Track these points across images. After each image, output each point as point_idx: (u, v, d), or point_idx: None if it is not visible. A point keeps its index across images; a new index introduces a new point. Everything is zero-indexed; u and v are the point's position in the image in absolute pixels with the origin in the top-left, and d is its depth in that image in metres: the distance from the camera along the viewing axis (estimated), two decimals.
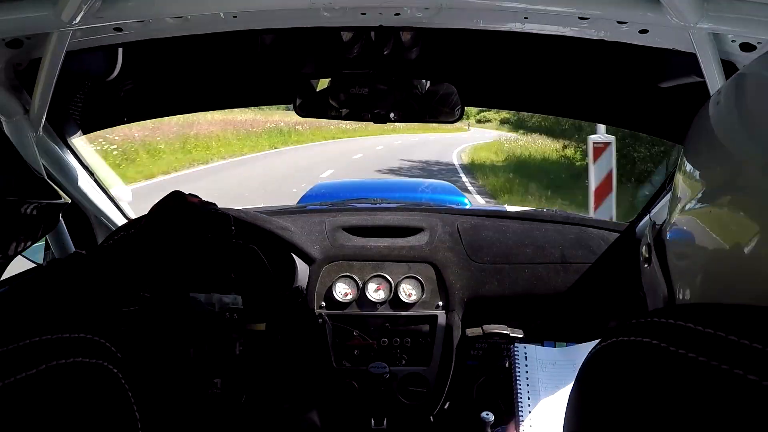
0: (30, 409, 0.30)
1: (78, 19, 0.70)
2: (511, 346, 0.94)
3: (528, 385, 0.88)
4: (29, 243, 0.65)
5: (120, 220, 1.35)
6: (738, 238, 0.30)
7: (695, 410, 0.25)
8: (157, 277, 0.91)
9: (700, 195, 0.34)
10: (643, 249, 0.44)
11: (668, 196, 1.21)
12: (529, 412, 0.85)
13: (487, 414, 1.11)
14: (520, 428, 0.83)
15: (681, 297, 0.36)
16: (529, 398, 0.87)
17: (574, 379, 0.32)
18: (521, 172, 11.26)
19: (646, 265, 0.44)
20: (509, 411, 1.13)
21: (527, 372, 0.90)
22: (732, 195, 0.31)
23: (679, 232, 0.38)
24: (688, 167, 0.38)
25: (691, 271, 0.36)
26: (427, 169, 12.24)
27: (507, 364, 1.31)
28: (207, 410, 0.88)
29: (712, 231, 0.32)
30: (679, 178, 0.39)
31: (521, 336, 1.31)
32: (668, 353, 0.27)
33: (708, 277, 0.34)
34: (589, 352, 0.31)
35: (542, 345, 0.95)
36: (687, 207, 0.36)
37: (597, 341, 0.32)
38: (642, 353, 0.28)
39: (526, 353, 0.93)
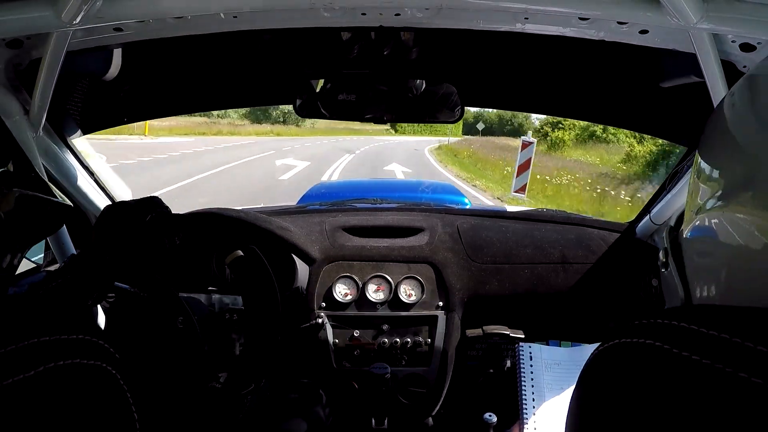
0: (28, 411, 0.30)
1: (78, 19, 0.70)
2: (516, 346, 0.91)
3: (533, 386, 0.86)
4: (32, 242, 0.64)
5: None
6: (759, 234, 0.29)
7: (698, 413, 0.24)
8: (142, 276, 0.86)
9: (718, 195, 0.34)
10: (661, 254, 0.45)
11: (668, 197, 1.21)
12: (534, 413, 0.83)
13: (490, 415, 1.10)
14: (525, 429, 0.82)
15: (699, 297, 0.36)
16: (534, 399, 0.85)
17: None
18: None
19: (663, 270, 0.44)
20: (512, 412, 1.13)
21: (532, 372, 0.88)
22: (752, 192, 0.31)
23: (698, 233, 0.37)
24: (706, 168, 0.37)
25: (710, 271, 0.36)
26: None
27: (509, 364, 1.32)
28: (207, 408, 0.88)
29: (733, 230, 0.32)
30: (695, 181, 0.39)
31: (522, 336, 1.31)
32: (671, 355, 0.26)
33: (729, 275, 0.33)
34: (591, 354, 0.31)
35: (547, 344, 0.93)
36: (707, 207, 0.36)
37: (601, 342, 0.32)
38: (644, 355, 0.27)
39: (531, 353, 0.90)
